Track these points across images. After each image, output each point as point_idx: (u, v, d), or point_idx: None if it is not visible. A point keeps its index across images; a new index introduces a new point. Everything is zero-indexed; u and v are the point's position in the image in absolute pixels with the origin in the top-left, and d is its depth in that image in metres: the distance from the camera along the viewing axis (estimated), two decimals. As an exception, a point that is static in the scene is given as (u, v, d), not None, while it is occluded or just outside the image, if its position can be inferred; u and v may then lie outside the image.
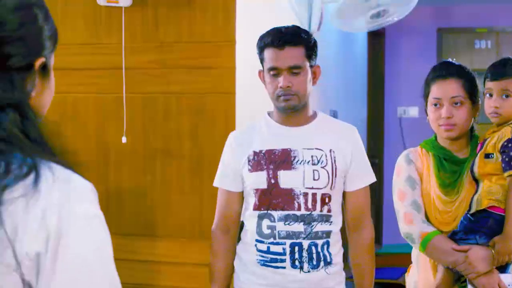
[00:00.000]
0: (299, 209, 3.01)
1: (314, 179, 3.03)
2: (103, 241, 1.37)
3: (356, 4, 4.76)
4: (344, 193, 3.14)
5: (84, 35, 4.30)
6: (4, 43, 1.34)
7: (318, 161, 3.05)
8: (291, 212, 3.02)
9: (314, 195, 3.03)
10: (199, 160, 4.13)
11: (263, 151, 3.08)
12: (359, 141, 3.18)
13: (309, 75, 3.06)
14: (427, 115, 3.16)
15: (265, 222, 3.05)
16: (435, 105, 3.08)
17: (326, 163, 3.05)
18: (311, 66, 3.07)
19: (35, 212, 1.27)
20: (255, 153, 3.09)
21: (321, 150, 3.07)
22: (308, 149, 3.06)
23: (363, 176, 3.16)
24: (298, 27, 3.16)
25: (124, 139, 4.18)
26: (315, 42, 3.12)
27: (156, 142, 4.21)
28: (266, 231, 3.04)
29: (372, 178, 3.20)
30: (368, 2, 4.79)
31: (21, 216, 1.26)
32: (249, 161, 3.09)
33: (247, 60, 4.16)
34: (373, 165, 3.34)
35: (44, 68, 1.42)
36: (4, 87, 1.33)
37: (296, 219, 3.01)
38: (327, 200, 3.05)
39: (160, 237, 4.21)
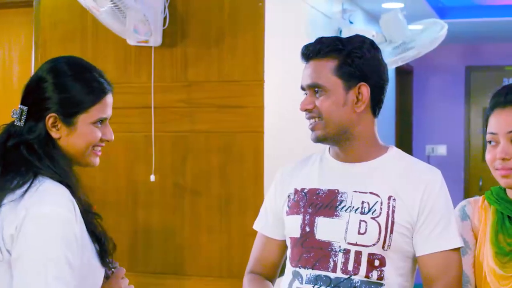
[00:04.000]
0: (334, 270, 2.29)
1: (359, 233, 2.28)
2: (49, 234, 1.99)
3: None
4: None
5: (114, 74, 4.33)
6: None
7: (369, 210, 2.30)
8: (322, 273, 2.30)
9: (358, 254, 2.29)
10: (227, 199, 4.13)
11: (306, 190, 2.41)
12: (440, 190, 2.34)
13: (342, 98, 2.33)
14: None
15: (295, 284, 2.36)
16: (490, 142, 2.33)
17: (380, 214, 2.29)
18: (349, 87, 2.33)
19: (15, 211, 2.01)
20: (296, 191, 2.44)
21: (377, 195, 2.31)
22: (360, 192, 2.33)
23: (437, 237, 2.30)
24: (354, 37, 2.42)
25: (152, 178, 4.20)
26: (360, 54, 2.34)
27: (184, 181, 4.22)
28: None
29: (453, 243, 2.31)
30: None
31: (7, 214, 2.02)
32: (288, 200, 2.45)
33: (275, 99, 4.17)
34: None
35: (66, 120, 2.13)
36: (23, 131, 2.13)
37: (328, 283, 2.29)
38: (377, 263, 2.28)
39: (189, 276, 4.20)
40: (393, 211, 2.29)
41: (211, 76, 4.16)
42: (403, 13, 5.42)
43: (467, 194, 8.37)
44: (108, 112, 2.24)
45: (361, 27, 5.89)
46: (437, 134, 8.87)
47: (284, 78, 4.30)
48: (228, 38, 4.13)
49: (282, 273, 2.52)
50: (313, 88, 2.36)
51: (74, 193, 2.10)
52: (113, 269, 2.21)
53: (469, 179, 8.76)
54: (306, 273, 2.32)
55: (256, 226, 2.59)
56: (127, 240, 4.30)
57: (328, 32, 5.16)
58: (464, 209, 2.44)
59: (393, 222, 2.28)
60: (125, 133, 4.32)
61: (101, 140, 2.22)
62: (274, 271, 2.56)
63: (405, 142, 8.69)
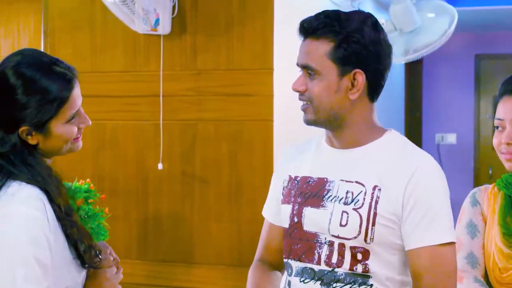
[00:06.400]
0: (318, 262, 2.18)
1: (341, 225, 2.15)
2: (14, 235, 1.94)
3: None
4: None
5: (123, 63, 4.34)
6: None
7: (352, 200, 2.15)
8: (308, 265, 2.21)
9: (341, 246, 2.15)
10: (237, 187, 4.13)
11: (299, 178, 2.30)
12: (429, 179, 2.14)
13: (334, 83, 2.17)
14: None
15: (286, 276, 2.29)
16: (497, 127, 2.42)
17: (362, 204, 2.14)
18: (343, 72, 2.17)
19: None
20: (290, 178, 2.33)
21: (362, 185, 2.16)
22: (346, 181, 2.19)
23: (424, 230, 2.10)
24: (355, 15, 2.20)
25: (160, 166, 4.20)
26: (358, 38, 2.14)
27: (194, 169, 4.22)
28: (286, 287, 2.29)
29: (441, 238, 2.10)
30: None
31: None
32: (283, 188, 2.35)
33: (285, 87, 4.15)
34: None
35: (39, 130, 2.07)
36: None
37: (313, 275, 2.19)
38: (360, 256, 2.14)
39: (198, 264, 4.21)
40: (376, 202, 2.12)
41: (220, 64, 4.16)
42: (412, 1, 5.40)
43: (477, 183, 8.35)
44: (78, 103, 2.13)
45: (370, 15, 5.86)
46: (446, 122, 8.84)
47: (293, 66, 4.27)
48: (237, 26, 4.12)
49: None
50: (307, 69, 2.21)
51: (52, 199, 2.04)
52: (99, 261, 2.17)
53: (479, 168, 8.74)
54: (295, 265, 2.24)
55: (264, 212, 2.49)
56: (136, 228, 4.30)
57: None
58: (474, 195, 2.53)
59: (375, 214, 2.11)
60: (134, 121, 4.32)
61: (79, 129, 2.16)
62: (281, 259, 2.38)
63: (414, 130, 8.67)
